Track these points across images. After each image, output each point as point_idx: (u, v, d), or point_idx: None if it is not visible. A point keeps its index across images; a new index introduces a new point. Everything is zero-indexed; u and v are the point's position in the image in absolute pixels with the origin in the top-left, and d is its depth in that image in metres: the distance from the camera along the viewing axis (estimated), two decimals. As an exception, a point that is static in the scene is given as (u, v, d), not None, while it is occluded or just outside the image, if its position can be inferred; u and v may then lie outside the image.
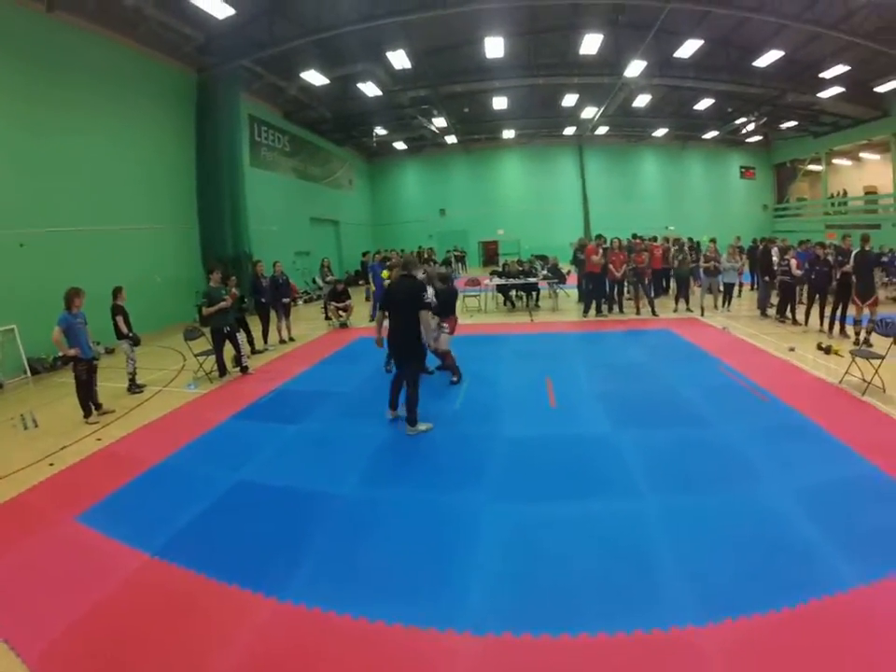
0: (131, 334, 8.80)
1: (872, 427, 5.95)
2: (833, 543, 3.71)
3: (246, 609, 3.34)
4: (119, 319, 8.64)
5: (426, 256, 22.93)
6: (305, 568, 3.72)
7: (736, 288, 14.51)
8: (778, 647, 2.86)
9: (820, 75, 18.60)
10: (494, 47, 16.08)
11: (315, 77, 17.50)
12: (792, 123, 26.41)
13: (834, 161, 29.81)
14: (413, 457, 5.62)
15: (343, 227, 29.23)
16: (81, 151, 12.77)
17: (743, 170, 32.99)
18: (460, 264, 28.88)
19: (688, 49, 16.52)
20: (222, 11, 12.45)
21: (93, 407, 7.82)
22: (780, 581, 3.38)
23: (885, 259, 15.87)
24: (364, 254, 18.05)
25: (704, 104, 23.47)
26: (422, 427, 6.18)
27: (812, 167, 30.20)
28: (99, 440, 6.79)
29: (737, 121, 26.02)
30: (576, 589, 3.41)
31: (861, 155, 28.77)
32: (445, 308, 8.08)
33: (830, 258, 10.91)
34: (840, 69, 17.80)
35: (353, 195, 31.54)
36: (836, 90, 19.61)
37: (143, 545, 4.12)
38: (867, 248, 9.96)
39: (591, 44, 15.94)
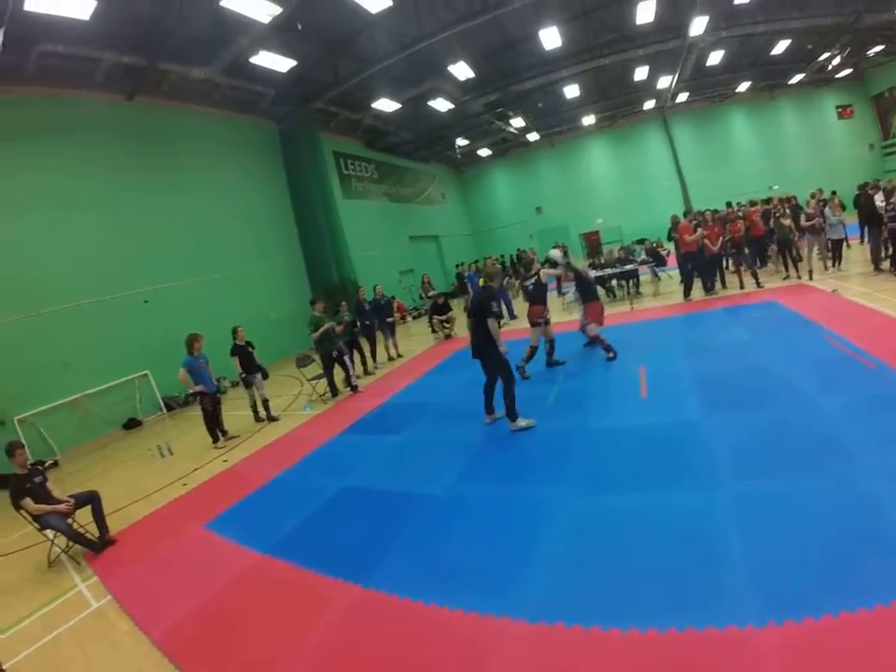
0: (242, 374, 9.48)
1: None
2: None
3: (336, 595, 3.88)
4: (235, 360, 9.40)
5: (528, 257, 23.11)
6: (389, 561, 4.18)
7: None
8: (843, 654, 2.57)
9: None
10: (549, 37, 16.13)
11: (386, 105, 18.49)
12: (880, 48, 23.62)
13: None
14: (503, 456, 5.83)
15: (442, 240, 30.16)
16: (188, 211, 14.66)
17: (840, 109, 29.52)
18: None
19: (748, -9, 15.56)
20: (285, 65, 13.68)
21: (220, 434, 8.95)
22: (860, 579, 2.99)
23: None
24: (458, 265, 18.59)
25: (781, 47, 21.73)
26: (523, 423, 6.35)
27: None
28: (225, 461, 7.80)
29: (821, 58, 23.54)
30: (638, 582, 3.35)
31: None
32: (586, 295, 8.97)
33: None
34: None
35: (447, 208, 32.38)
36: None
37: (256, 545, 4.88)
38: None
39: (646, 11, 15.49)
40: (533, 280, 8.63)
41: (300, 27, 12.53)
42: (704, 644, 2.80)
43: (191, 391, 8.92)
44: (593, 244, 31.38)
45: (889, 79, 27.30)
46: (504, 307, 14.45)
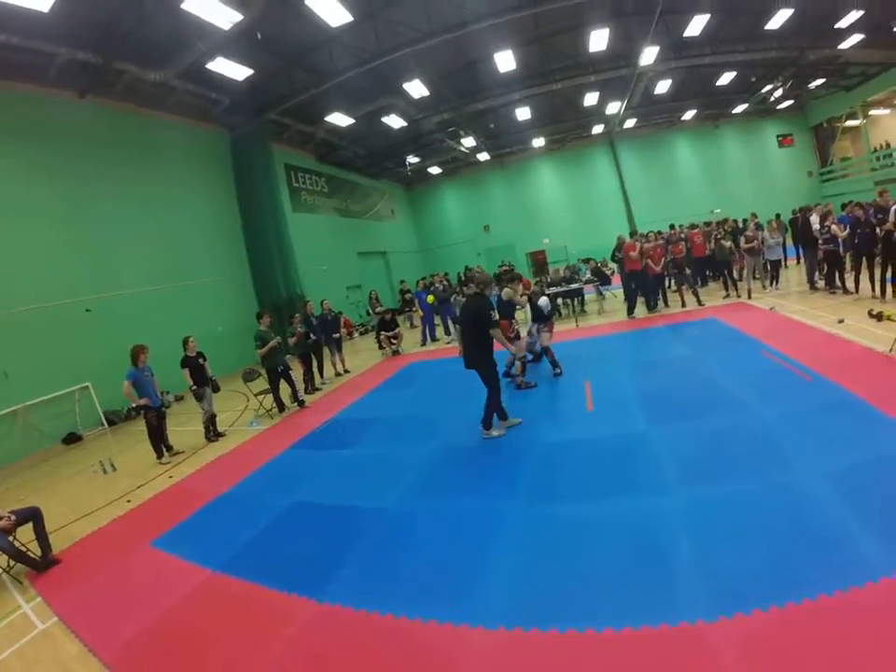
0: (193, 387, 9.15)
1: None
2: (868, 529, 3.47)
3: (292, 611, 3.81)
4: (185, 372, 9.09)
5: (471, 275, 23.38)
6: (343, 574, 4.14)
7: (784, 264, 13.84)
8: (794, 641, 2.74)
9: (836, 25, 17.88)
10: (504, 60, 16.44)
11: (340, 119, 18.46)
12: (820, 81, 25.38)
13: (872, 112, 28.11)
14: (452, 470, 5.87)
15: (391, 256, 30.10)
16: (135, 218, 14.17)
17: (780, 138, 31.53)
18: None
19: (697, 25, 16.20)
20: (241, 73, 13.47)
21: (165, 449, 8.66)
22: (804, 571, 3.22)
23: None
24: (401, 282, 18.37)
25: (726, 78, 22.88)
26: (495, 432, 6.44)
27: (850, 123, 28.67)
28: (171, 477, 7.54)
29: (764, 89, 25.10)
30: (592, 586, 3.47)
31: None
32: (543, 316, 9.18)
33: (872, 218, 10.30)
34: (855, 15, 17.09)
35: (397, 225, 32.42)
36: (856, 37, 18.75)
37: (207, 562, 4.74)
38: None
39: (599, 39, 16.01)
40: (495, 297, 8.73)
41: (259, 36, 12.38)
42: (659, 641, 2.94)
43: (135, 404, 8.66)
44: (539, 263, 32.02)
45: (828, 111, 29.21)
46: (450, 322, 14.53)
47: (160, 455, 8.48)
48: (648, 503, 4.33)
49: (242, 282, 17.88)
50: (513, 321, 8.71)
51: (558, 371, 9.05)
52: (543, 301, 9.23)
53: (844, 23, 17.66)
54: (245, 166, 18.09)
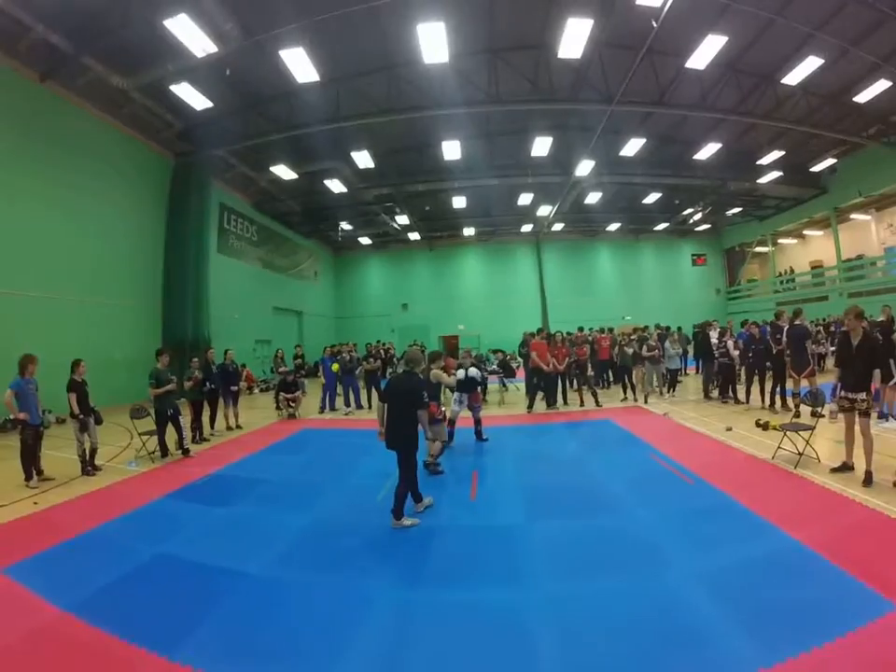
0: (80, 416, 8.40)
1: (799, 500, 5.88)
2: (737, 625, 3.52)
3: (137, 664, 3.52)
4: (72, 397, 8.34)
5: (383, 350, 23.45)
6: (198, 635, 3.87)
7: (682, 373, 14.88)
8: None
9: (759, 162, 20.25)
10: (451, 149, 17.46)
11: (284, 172, 18.63)
12: (737, 209, 28.47)
13: (781, 240, 32.25)
14: (324, 543, 5.66)
15: (306, 318, 29.71)
16: (53, 216, 13.40)
17: (695, 257, 34.62)
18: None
19: (632, 147, 18.01)
20: (201, 103, 13.55)
21: (35, 472, 7.80)
22: (670, 668, 3.20)
23: (817, 328, 16.71)
24: (297, 346, 17.74)
25: (652, 197, 25.03)
26: (407, 521, 6.04)
27: (760, 249, 32.36)
28: (36, 503, 6.86)
29: (685, 212, 27.74)
30: None
31: (805, 232, 30.74)
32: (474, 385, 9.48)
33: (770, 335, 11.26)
34: (776, 154, 19.53)
35: (318, 287, 32.26)
36: (775, 174, 21.22)
37: (58, 600, 4.31)
38: (797, 322, 10.41)
39: (541, 146, 17.38)
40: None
41: (227, 72, 12.52)
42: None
43: (13, 417, 7.94)
44: (450, 347, 32.26)
45: (741, 236, 32.71)
46: (352, 396, 14.49)
47: (28, 478, 7.67)
48: (515, 596, 4.24)
49: (150, 312, 16.95)
50: (439, 406, 8.59)
51: (485, 438, 9.54)
52: (474, 371, 9.45)
53: (766, 160, 20.04)
54: (181, 195, 17.65)
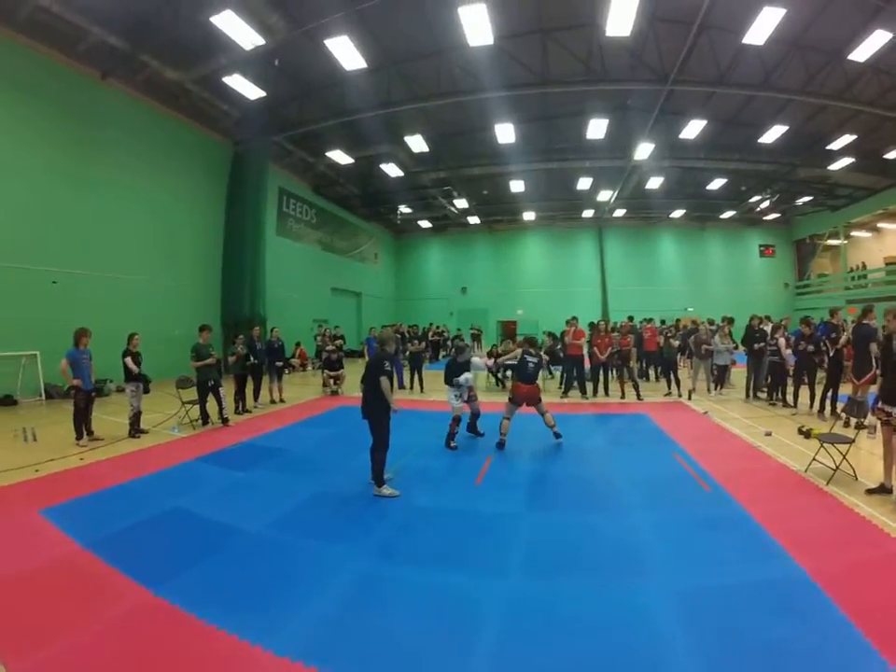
0: (138, 373, 9.19)
1: (820, 521, 5.25)
2: (697, 657, 3.15)
3: (125, 594, 3.97)
4: (128, 360, 9.10)
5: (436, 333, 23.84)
6: (185, 577, 4.29)
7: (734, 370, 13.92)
8: None
9: (829, 147, 18.91)
10: (504, 132, 17.21)
11: (340, 157, 19.07)
12: (808, 198, 26.61)
13: (853, 233, 29.65)
14: (321, 512, 5.90)
15: (364, 299, 30.37)
16: (120, 204, 14.38)
17: (762, 248, 33.06)
18: (475, 342, 29.16)
19: (693, 129, 17.21)
20: (254, 93, 14.01)
21: (86, 432, 8.66)
22: None
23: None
24: (336, 327, 17.94)
25: (717, 183, 24.09)
26: (387, 491, 6.26)
27: (831, 241, 30.11)
28: (82, 459, 7.62)
29: (752, 199, 26.14)
30: (389, 647, 3.39)
31: (880, 225, 28.52)
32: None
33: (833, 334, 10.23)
34: (847, 139, 18.13)
35: (377, 269, 32.78)
36: (846, 160, 19.72)
37: (78, 537, 4.97)
38: (864, 322, 9.12)
39: (597, 128, 16.94)
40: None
41: (276, 63, 12.86)
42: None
43: (69, 384, 8.70)
44: (508, 332, 32.14)
45: (812, 227, 30.41)
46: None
47: (79, 437, 8.52)
48: (478, 584, 4.19)
49: (210, 291, 17.88)
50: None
51: (482, 433, 9.24)
52: (464, 377, 9.03)
53: (836, 145, 18.70)
54: (240, 180, 18.42)
